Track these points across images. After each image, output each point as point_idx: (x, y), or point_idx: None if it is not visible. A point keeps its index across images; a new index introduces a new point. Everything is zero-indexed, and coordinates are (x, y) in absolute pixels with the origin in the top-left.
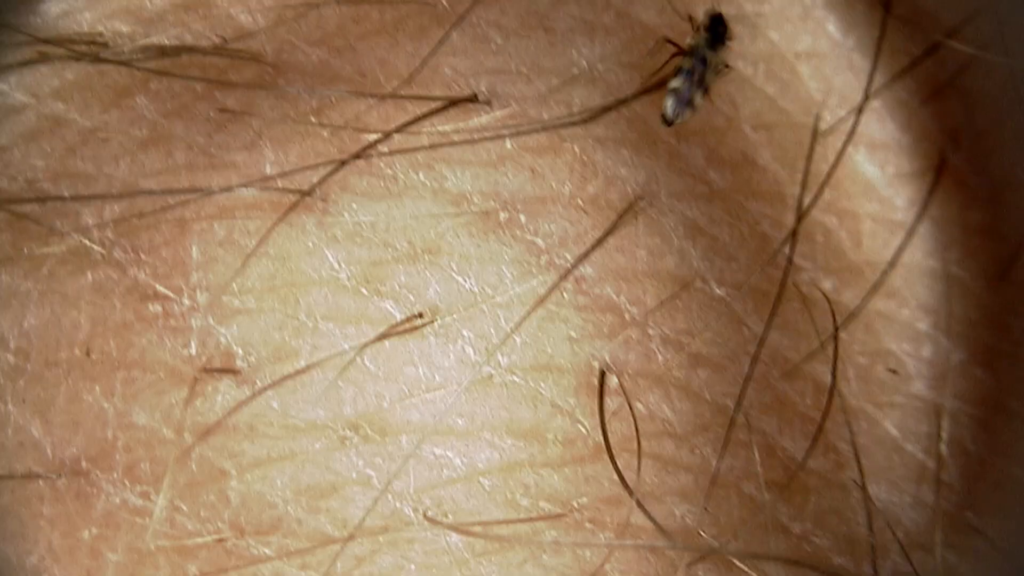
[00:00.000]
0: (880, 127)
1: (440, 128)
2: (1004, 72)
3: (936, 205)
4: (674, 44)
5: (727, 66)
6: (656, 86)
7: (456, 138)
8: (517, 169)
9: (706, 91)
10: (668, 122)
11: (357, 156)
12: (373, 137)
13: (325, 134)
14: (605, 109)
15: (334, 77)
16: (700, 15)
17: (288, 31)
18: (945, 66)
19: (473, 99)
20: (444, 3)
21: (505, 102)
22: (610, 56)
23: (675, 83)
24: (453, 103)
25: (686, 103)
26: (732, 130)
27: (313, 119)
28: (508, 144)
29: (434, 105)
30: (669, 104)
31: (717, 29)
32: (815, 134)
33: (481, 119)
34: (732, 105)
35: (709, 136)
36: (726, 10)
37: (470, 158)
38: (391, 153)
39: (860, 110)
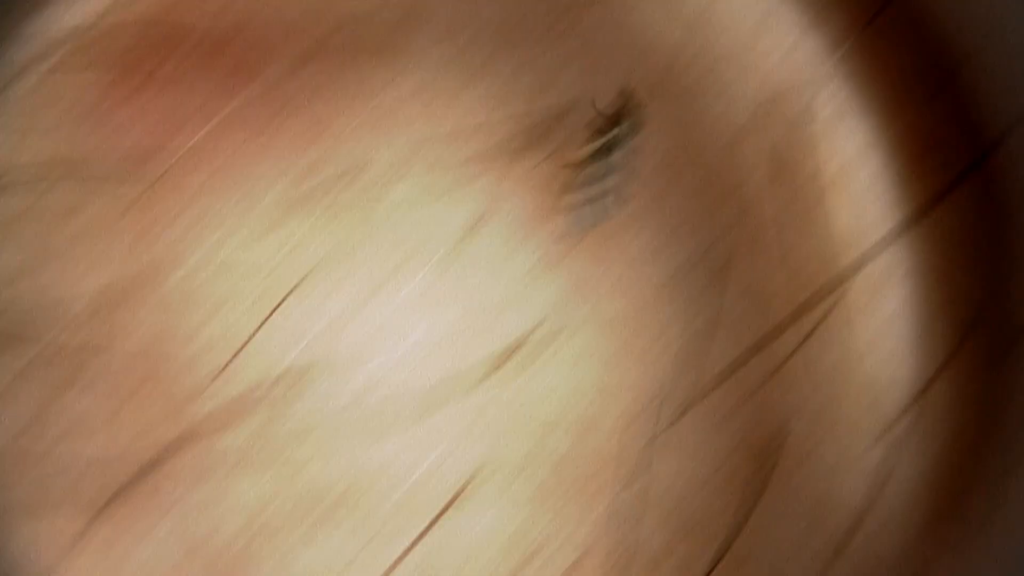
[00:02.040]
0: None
1: (236, 432)
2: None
3: None
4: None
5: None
6: None
7: (253, 446)
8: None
9: (615, 194)
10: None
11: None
12: None
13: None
14: None
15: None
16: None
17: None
18: None
19: (305, 371)
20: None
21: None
22: None
23: (580, 199)
24: (283, 377)
25: (598, 212)
26: None
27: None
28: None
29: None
30: (578, 219)
31: (632, 112)
32: None
33: (283, 422)
34: None
35: None
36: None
37: None
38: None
39: None
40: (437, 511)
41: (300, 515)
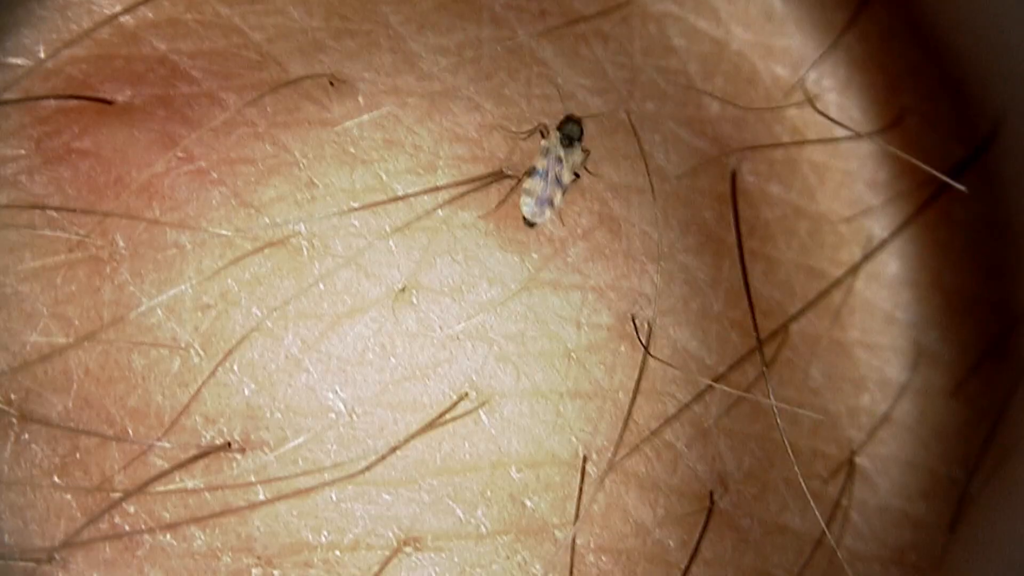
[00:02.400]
0: (648, 468)
1: (190, 484)
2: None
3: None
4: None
5: (586, 169)
6: None
7: (207, 493)
8: (271, 518)
9: (564, 190)
10: (529, 224)
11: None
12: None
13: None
14: None
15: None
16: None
17: (32, 378)
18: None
19: (227, 447)
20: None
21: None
22: None
23: (528, 184)
24: (205, 453)
25: (545, 203)
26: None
27: (57, 479)
28: (261, 494)
29: (184, 457)
30: (527, 206)
31: (568, 129)
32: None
33: (233, 470)
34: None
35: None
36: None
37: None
38: (135, 514)
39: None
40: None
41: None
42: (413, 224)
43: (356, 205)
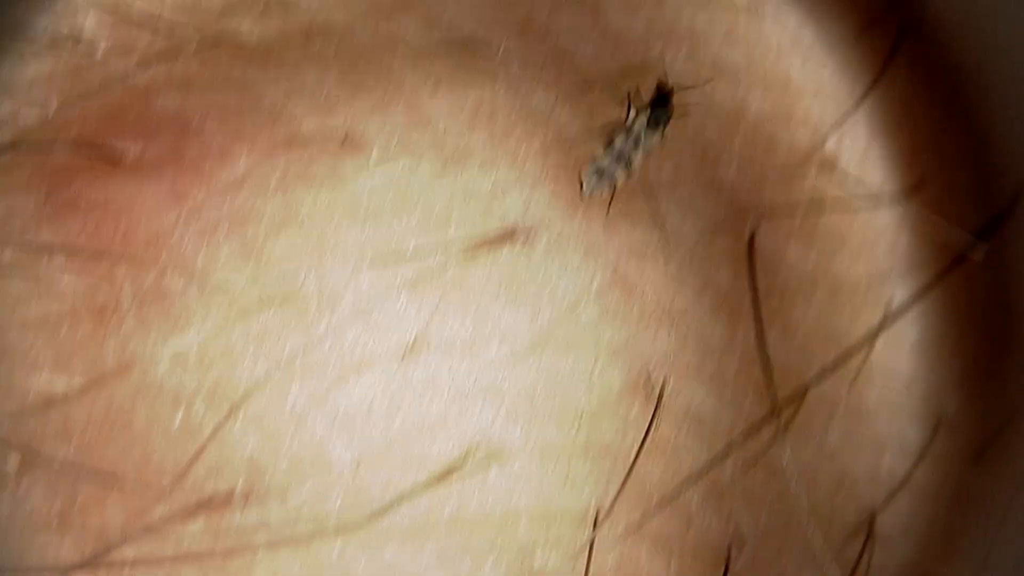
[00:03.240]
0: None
1: (190, 536)
2: None
3: None
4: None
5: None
6: None
7: (208, 545)
8: (273, 571)
9: (629, 170)
10: (585, 193)
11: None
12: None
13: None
14: None
15: (84, 479)
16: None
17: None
18: None
19: (229, 500)
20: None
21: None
22: None
23: (600, 158)
24: (207, 506)
25: (608, 179)
26: None
27: (56, 527)
28: (263, 547)
29: (186, 508)
30: (588, 177)
31: (658, 114)
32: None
33: (235, 523)
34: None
35: None
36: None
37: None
38: (134, 563)
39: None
40: None
41: None
42: (424, 281)
43: (366, 261)
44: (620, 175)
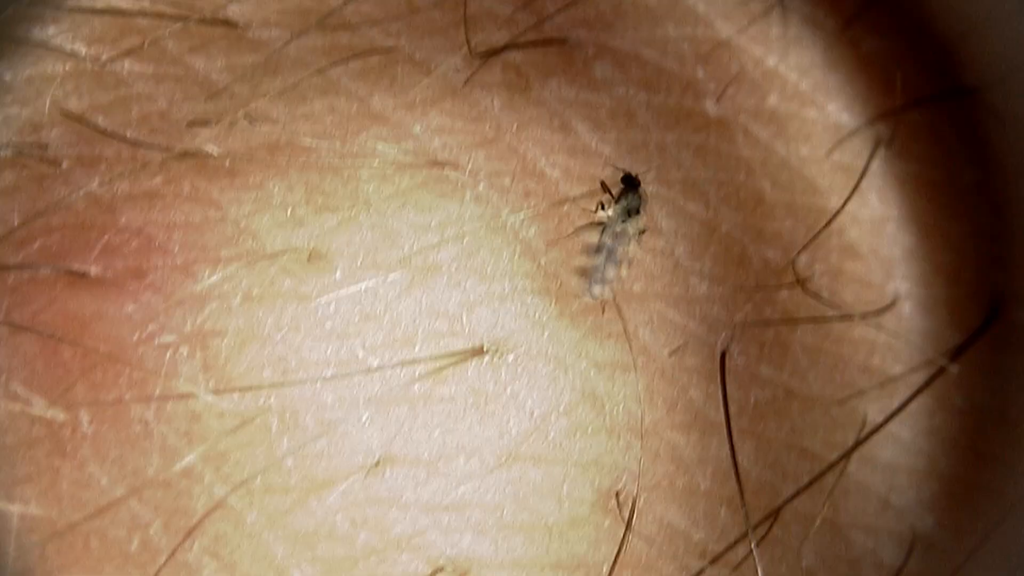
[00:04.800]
0: None
1: None
2: None
3: None
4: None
5: (642, 232)
6: None
7: None
8: None
9: (622, 263)
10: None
11: None
12: None
13: None
14: None
15: None
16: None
17: None
18: None
19: None
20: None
21: None
22: None
23: (593, 262)
24: None
25: (605, 282)
26: None
27: None
28: None
29: None
30: (589, 286)
31: (629, 201)
32: None
33: None
34: None
35: None
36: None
37: None
38: None
39: None
40: None
41: None
42: (390, 396)
43: (329, 375)
44: (613, 272)
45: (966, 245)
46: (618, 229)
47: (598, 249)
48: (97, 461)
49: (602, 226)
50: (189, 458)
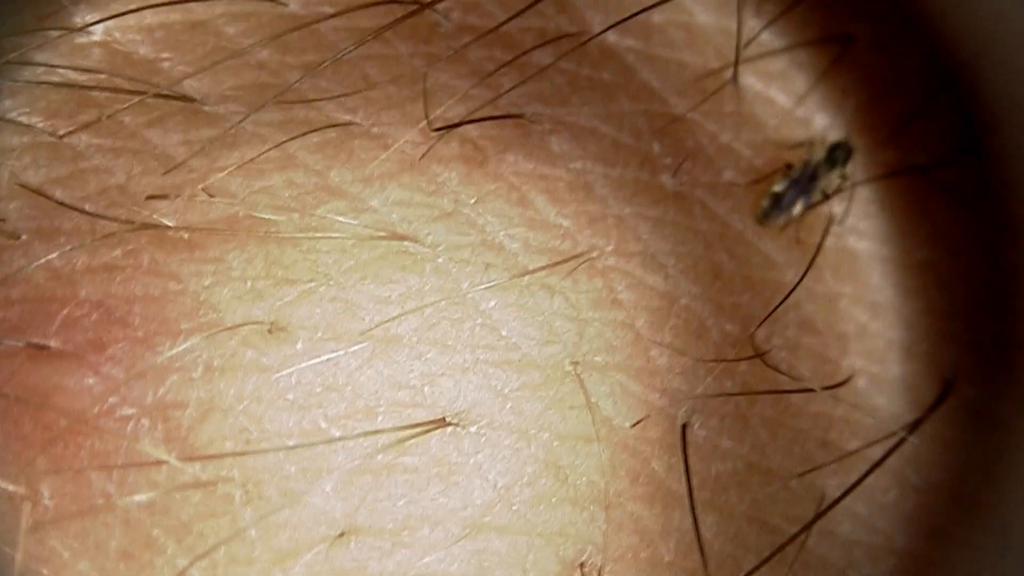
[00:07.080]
0: None
1: None
2: None
3: None
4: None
5: (840, 188)
6: None
7: None
8: None
9: (809, 205)
10: (760, 221)
11: None
12: None
13: None
14: None
15: None
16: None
17: None
18: None
19: None
20: None
21: None
22: None
23: (778, 187)
24: None
25: (782, 208)
26: None
27: None
28: None
29: None
30: (765, 205)
31: (836, 154)
32: None
33: None
34: None
35: None
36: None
37: None
38: None
39: None
40: None
41: None
42: (352, 468)
43: (292, 444)
44: (798, 206)
45: (918, 322)
46: (822, 170)
47: (795, 180)
48: (58, 535)
49: (806, 163)
50: (151, 528)
